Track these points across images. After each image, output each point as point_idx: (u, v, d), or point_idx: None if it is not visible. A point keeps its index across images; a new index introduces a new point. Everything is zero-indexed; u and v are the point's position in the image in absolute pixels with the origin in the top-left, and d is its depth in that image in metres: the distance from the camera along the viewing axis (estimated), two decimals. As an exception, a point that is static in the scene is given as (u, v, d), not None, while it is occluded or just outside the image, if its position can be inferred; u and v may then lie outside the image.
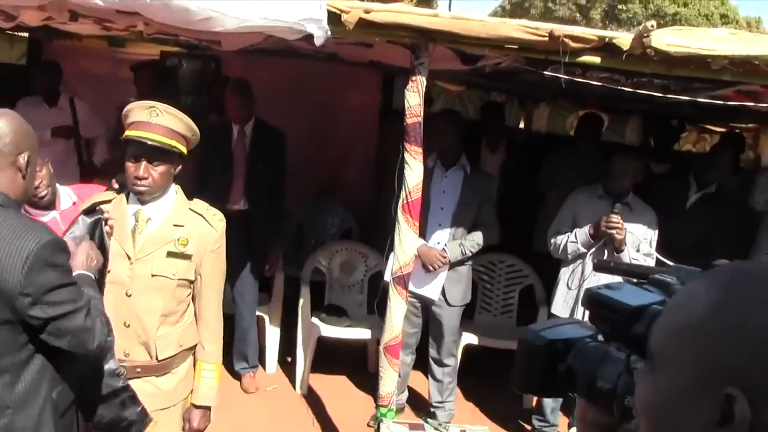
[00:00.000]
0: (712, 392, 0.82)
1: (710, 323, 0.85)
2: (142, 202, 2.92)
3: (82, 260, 2.51)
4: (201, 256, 2.95)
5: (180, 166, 2.96)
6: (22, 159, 2.27)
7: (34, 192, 3.33)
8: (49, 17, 4.05)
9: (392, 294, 3.98)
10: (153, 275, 2.86)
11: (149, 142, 2.79)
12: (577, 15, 31.94)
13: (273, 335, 5.62)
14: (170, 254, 2.89)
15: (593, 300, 1.11)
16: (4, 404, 2.16)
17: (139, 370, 2.91)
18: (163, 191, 2.92)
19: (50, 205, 3.36)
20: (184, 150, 2.92)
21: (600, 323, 1.13)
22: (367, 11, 3.53)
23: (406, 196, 3.88)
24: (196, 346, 3.05)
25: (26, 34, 7.36)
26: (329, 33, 3.48)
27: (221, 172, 5.12)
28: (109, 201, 2.97)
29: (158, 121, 2.82)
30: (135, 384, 2.87)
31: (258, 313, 5.49)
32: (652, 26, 3.41)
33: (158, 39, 5.83)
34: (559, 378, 1.18)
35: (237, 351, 5.36)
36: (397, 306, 4.00)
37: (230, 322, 5.35)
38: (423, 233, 4.66)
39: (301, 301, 5.44)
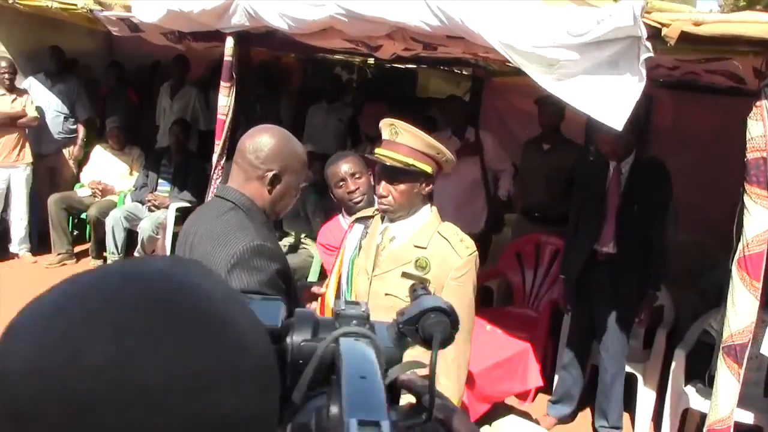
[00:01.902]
0: None
1: None
2: (391, 221, 2.88)
3: None
4: (441, 282, 2.76)
5: (429, 186, 2.84)
6: (269, 174, 2.37)
7: (350, 197, 3.59)
8: (406, 48, 4.24)
9: (720, 366, 3.28)
10: (386, 294, 2.78)
11: (387, 162, 2.75)
12: None
13: (646, 398, 5.02)
14: (405, 275, 2.77)
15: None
16: None
17: None
18: (409, 211, 2.84)
19: None
20: (428, 169, 2.79)
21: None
22: (696, 23, 2.99)
23: (743, 248, 3.17)
24: None
25: (469, 73, 7.85)
26: (650, 52, 3.03)
27: (595, 210, 4.77)
28: (372, 216, 3.01)
29: (399, 139, 2.77)
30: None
31: (631, 370, 4.97)
32: None
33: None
34: None
35: (598, 406, 4.92)
36: (726, 382, 3.29)
37: (594, 374, 4.97)
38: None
39: (673, 364, 4.77)
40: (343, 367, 0.74)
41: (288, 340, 0.83)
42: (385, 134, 2.81)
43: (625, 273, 4.66)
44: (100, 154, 7.81)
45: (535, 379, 4.70)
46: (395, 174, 2.78)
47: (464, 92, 8.11)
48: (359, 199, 3.63)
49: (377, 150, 2.83)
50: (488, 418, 4.20)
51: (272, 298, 0.88)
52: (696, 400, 4.58)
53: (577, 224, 4.92)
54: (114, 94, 8.24)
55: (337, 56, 8.89)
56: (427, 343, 0.93)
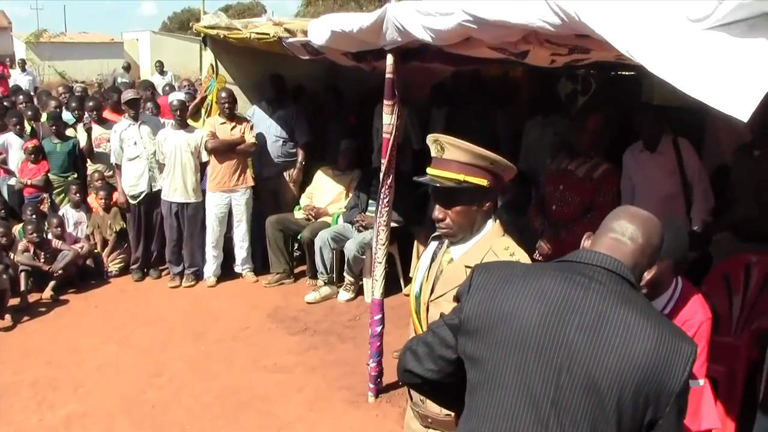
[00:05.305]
0: None
1: None
2: (451, 243, 2.62)
3: None
4: None
5: (489, 202, 2.60)
6: (647, 275, 2.04)
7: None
8: (554, 53, 3.90)
9: None
10: None
11: (436, 183, 2.55)
12: None
13: None
14: (456, 299, 2.50)
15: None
16: None
17: (430, 420, 2.69)
18: (472, 231, 2.60)
19: None
20: (483, 182, 2.53)
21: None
22: None
23: None
24: None
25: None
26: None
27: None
28: None
29: (446, 155, 2.54)
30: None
31: None
32: None
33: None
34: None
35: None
36: None
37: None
38: None
39: None
40: None
41: None
42: (433, 151, 2.58)
43: None
44: (320, 177, 8.03)
45: (710, 420, 4.01)
46: (448, 195, 2.56)
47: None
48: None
49: (428, 169, 2.59)
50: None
51: None
52: None
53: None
54: (334, 117, 8.46)
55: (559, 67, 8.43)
56: None
